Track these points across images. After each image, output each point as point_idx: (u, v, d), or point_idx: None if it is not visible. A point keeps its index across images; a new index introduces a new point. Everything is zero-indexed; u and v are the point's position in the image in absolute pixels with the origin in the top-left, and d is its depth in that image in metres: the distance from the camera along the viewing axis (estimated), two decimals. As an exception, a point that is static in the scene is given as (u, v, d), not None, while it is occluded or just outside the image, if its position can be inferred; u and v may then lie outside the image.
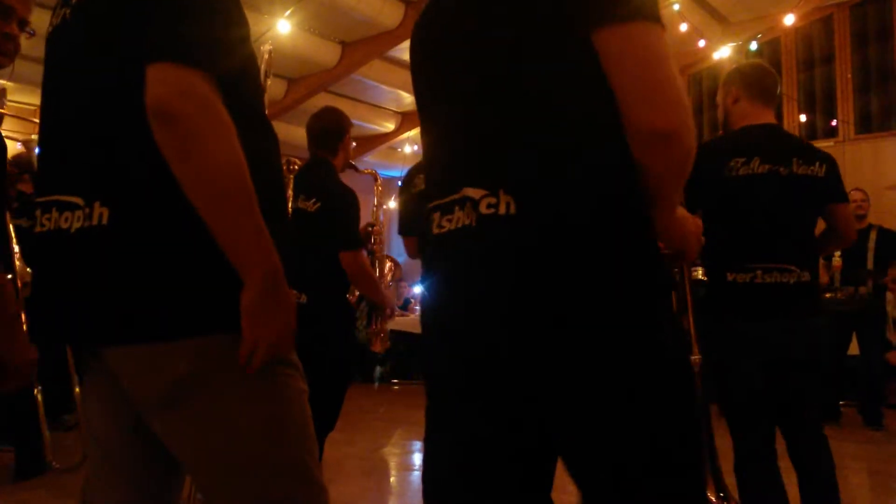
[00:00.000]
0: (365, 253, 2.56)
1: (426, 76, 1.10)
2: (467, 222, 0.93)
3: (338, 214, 2.54)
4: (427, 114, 1.11)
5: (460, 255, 0.96)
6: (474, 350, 0.97)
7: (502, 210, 0.89)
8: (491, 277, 0.91)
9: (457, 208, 0.96)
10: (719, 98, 2.25)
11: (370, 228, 3.01)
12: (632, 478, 0.91)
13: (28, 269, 3.35)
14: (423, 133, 1.15)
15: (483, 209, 0.91)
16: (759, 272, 2.02)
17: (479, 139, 0.96)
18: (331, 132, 2.66)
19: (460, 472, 1.02)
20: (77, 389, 2.94)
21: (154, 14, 0.93)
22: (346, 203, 2.57)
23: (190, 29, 0.92)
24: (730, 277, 2.05)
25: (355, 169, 3.12)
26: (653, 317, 0.92)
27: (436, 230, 1.00)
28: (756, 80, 2.16)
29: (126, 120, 0.95)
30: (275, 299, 0.95)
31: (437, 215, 1.00)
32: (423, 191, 2.37)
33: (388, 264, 3.27)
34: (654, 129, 0.89)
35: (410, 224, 2.54)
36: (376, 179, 3.23)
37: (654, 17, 0.90)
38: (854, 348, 4.74)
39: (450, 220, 0.97)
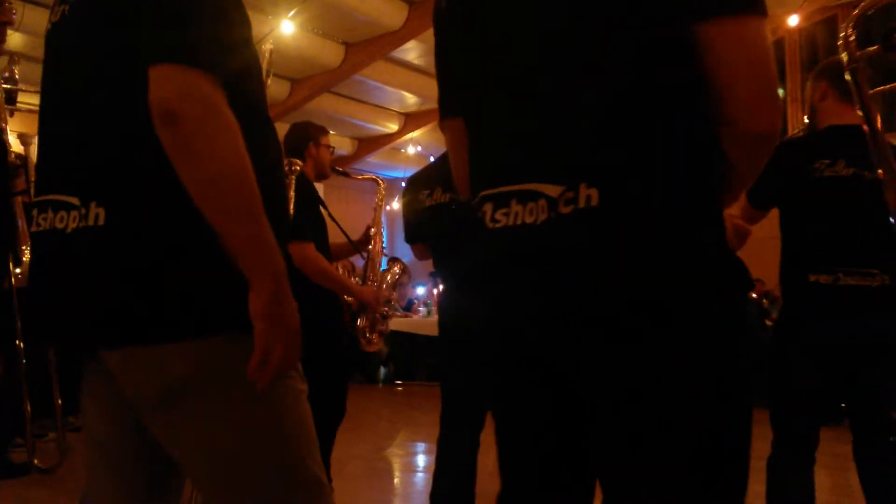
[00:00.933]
0: (314, 246, 2.58)
1: (469, 55, 1.01)
2: (531, 220, 0.87)
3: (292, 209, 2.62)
4: (469, 97, 1.03)
5: (529, 255, 0.89)
6: (547, 351, 0.93)
7: (582, 203, 0.83)
8: (572, 278, 0.85)
9: (514, 201, 0.89)
10: (807, 93, 2.20)
11: (370, 232, 3.08)
12: (683, 486, 0.86)
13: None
14: (451, 118, 1.08)
15: (562, 208, 0.84)
16: (840, 274, 2.00)
17: (555, 127, 0.89)
18: (296, 143, 2.81)
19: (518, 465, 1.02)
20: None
21: (156, 15, 0.92)
22: (298, 197, 2.64)
23: (193, 30, 0.91)
24: (812, 278, 2.03)
25: (346, 175, 3.19)
26: (739, 317, 0.88)
27: (490, 224, 0.93)
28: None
29: (125, 120, 0.94)
30: (284, 302, 0.95)
31: (489, 207, 0.93)
32: (442, 203, 2.45)
33: (397, 266, 3.25)
34: (762, 131, 0.86)
35: (418, 233, 2.62)
36: (379, 184, 3.30)
37: (765, 11, 0.84)
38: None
39: (506, 215, 0.90)
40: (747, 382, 0.88)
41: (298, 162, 2.76)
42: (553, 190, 0.85)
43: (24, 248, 3.35)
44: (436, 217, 2.46)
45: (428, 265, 2.69)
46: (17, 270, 3.35)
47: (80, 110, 1.00)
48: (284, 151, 2.81)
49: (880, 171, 1.75)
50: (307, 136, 2.81)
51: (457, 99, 1.07)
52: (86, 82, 1.00)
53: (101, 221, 0.93)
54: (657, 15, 0.84)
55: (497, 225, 0.92)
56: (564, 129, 0.88)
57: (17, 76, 2.95)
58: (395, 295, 3.31)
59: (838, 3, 7.12)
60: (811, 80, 2.18)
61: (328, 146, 2.86)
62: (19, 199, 3.32)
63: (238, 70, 0.96)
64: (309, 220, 2.63)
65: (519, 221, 0.89)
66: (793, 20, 6.77)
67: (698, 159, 0.87)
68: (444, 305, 2.54)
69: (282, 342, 0.93)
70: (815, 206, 2.08)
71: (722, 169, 0.90)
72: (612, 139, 0.85)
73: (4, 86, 2.86)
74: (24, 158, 3.08)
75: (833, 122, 2.10)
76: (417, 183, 2.62)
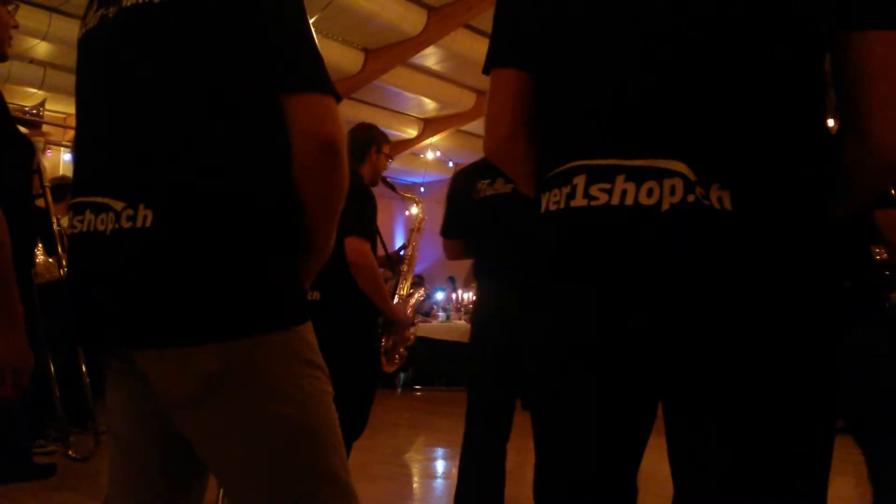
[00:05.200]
0: (369, 247, 2.53)
1: (575, 12, 0.92)
2: (650, 202, 0.80)
3: (350, 205, 2.56)
4: (557, 53, 0.93)
5: (648, 241, 0.81)
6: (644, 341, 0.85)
7: (716, 204, 0.78)
8: (701, 274, 0.80)
9: (621, 178, 0.82)
10: None
11: (402, 252, 3.04)
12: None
13: (50, 260, 3.43)
14: (507, 68, 1.00)
15: (700, 196, 0.78)
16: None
17: (679, 110, 0.82)
18: (357, 143, 2.75)
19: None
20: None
21: (280, 39, 0.99)
22: (361, 197, 2.56)
23: (319, 58, 1.03)
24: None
25: (392, 189, 3.16)
26: (835, 347, 0.85)
27: (581, 200, 0.84)
28: None
29: (179, 125, 0.97)
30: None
31: (580, 179, 0.85)
32: (503, 194, 2.34)
33: (419, 294, 3.18)
34: (893, 153, 0.82)
35: (458, 228, 2.54)
36: (417, 204, 3.34)
37: None
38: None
39: (606, 191, 0.82)
40: (836, 390, 0.85)
41: None
42: (690, 173, 0.79)
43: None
44: (492, 209, 2.37)
45: (447, 271, 2.68)
46: (51, 259, 3.43)
47: (130, 114, 1.01)
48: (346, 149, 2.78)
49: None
50: (372, 139, 2.76)
51: (531, 51, 0.97)
52: (137, 87, 1.01)
53: (147, 223, 0.95)
54: (809, 15, 0.82)
55: (596, 202, 0.83)
56: (702, 114, 0.82)
57: (43, 113, 3.09)
58: (417, 319, 3.27)
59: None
60: None
61: (387, 155, 2.82)
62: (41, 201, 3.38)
63: None
64: (370, 222, 2.58)
65: (629, 201, 0.81)
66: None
67: (820, 169, 0.84)
68: (486, 307, 2.43)
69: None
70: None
71: (836, 182, 0.86)
72: (741, 137, 0.81)
73: (34, 118, 2.99)
74: (37, 163, 3.14)
75: None
76: (474, 171, 2.51)
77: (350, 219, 2.54)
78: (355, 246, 2.46)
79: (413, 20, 6.42)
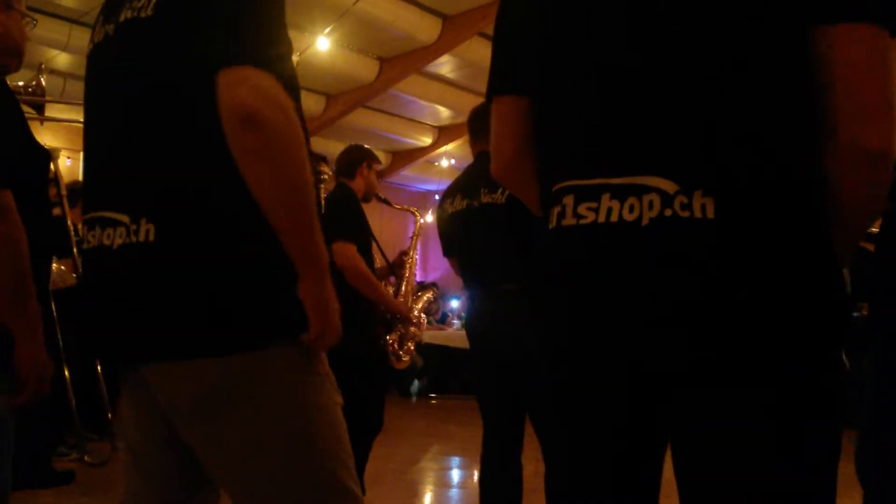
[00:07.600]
0: (354, 249, 2.66)
1: (562, 34, 0.93)
2: (632, 218, 0.81)
3: (334, 208, 2.71)
4: (551, 77, 0.95)
5: (630, 256, 0.82)
6: (643, 364, 0.85)
7: (698, 213, 0.78)
8: (682, 286, 0.79)
9: (607, 196, 0.83)
10: None
11: (403, 257, 3.18)
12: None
13: (62, 267, 3.46)
14: (509, 95, 1.02)
15: (678, 208, 0.79)
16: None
17: (668, 122, 0.82)
18: (349, 161, 2.96)
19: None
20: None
21: (223, 24, 0.93)
22: (343, 199, 2.76)
23: (259, 36, 0.93)
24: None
25: (388, 203, 3.33)
26: (835, 357, 0.82)
27: (571, 219, 0.87)
28: None
29: (178, 137, 0.97)
30: (331, 292, 0.99)
31: (569, 199, 0.87)
32: (459, 210, 2.48)
33: (428, 295, 3.32)
34: (867, 147, 0.79)
35: (449, 246, 2.64)
36: (415, 215, 3.46)
37: (889, 21, 0.79)
38: None
39: (593, 210, 0.84)
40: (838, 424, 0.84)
41: (327, 169, 2.85)
42: (669, 186, 0.80)
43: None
44: (454, 225, 2.48)
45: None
46: (63, 267, 3.47)
47: (130, 128, 1.01)
48: (338, 169, 2.99)
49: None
50: (363, 156, 2.96)
51: (526, 77, 0.99)
52: (137, 101, 1.01)
53: (151, 238, 0.95)
54: (779, 14, 0.80)
55: (583, 221, 0.85)
56: (680, 124, 0.82)
57: (44, 84, 3.05)
58: (423, 318, 3.37)
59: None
60: None
61: (378, 172, 3.00)
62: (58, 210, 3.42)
63: (291, 83, 0.98)
64: (354, 226, 2.72)
65: (614, 218, 0.83)
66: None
67: (813, 175, 0.82)
68: (470, 317, 2.50)
69: (329, 329, 0.98)
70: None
71: (825, 198, 0.83)
72: (733, 147, 0.80)
73: (33, 97, 2.95)
74: (53, 172, 3.17)
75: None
76: (446, 193, 2.64)
77: (332, 224, 2.64)
78: (339, 249, 2.62)
79: (427, 29, 6.45)
